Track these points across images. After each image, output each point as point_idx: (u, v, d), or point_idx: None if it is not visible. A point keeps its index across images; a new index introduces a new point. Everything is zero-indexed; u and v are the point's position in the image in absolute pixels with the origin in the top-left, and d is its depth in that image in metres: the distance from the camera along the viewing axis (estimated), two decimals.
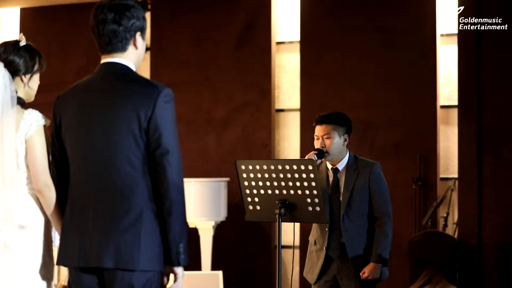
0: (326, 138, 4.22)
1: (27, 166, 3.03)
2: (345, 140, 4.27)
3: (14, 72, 3.12)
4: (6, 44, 3.17)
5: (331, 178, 4.27)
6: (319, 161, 4.18)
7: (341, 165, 4.27)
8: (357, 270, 4.17)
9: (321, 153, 4.17)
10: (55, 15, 8.03)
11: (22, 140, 3.03)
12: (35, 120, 3.04)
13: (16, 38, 3.19)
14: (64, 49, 7.95)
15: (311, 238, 4.36)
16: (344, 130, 4.27)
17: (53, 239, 3.19)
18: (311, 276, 4.30)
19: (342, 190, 4.22)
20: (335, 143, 4.22)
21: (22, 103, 3.12)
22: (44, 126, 3.07)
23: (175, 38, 7.64)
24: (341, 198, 4.22)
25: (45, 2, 7.93)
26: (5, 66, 3.09)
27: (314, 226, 4.33)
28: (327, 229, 4.21)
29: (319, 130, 4.26)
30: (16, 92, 3.09)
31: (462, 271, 6.39)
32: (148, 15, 7.65)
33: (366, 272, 4.14)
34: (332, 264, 4.23)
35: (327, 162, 4.30)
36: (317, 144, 4.24)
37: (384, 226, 4.18)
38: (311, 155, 4.12)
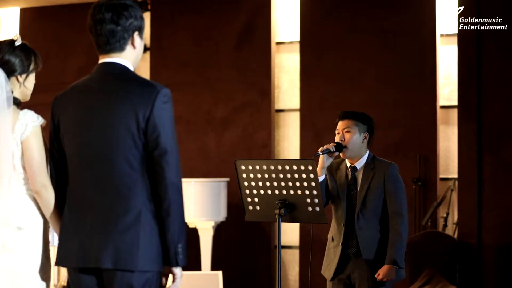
0: (346, 132, 4.24)
1: (24, 167, 3.02)
2: (365, 138, 4.28)
3: (9, 72, 3.09)
4: (1, 43, 3.13)
5: (349, 177, 4.28)
6: (336, 153, 4.19)
7: (359, 164, 4.28)
8: (371, 269, 4.17)
9: (340, 147, 4.19)
10: (55, 15, 8.03)
11: (18, 141, 3.01)
12: (30, 121, 3.02)
13: (11, 38, 3.17)
14: (64, 49, 7.95)
15: (329, 234, 4.37)
16: (365, 128, 4.29)
17: (51, 239, 3.19)
18: (328, 273, 4.30)
19: (358, 189, 4.24)
20: (354, 138, 4.23)
21: (18, 103, 3.11)
22: (40, 126, 3.06)
23: (175, 38, 7.63)
24: (357, 197, 4.23)
25: (45, 2, 7.93)
26: (1, 66, 3.06)
27: (333, 223, 4.34)
28: (343, 224, 4.23)
29: (340, 124, 4.29)
30: (12, 92, 3.08)
31: (462, 271, 6.38)
32: (148, 15, 7.65)
33: (380, 274, 4.13)
34: (348, 262, 4.24)
35: (347, 160, 4.31)
36: (337, 139, 4.26)
37: (397, 227, 4.17)
38: (330, 146, 4.15)
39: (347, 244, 4.22)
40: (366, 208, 4.20)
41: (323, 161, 4.17)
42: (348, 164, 4.31)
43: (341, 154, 4.25)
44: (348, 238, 4.22)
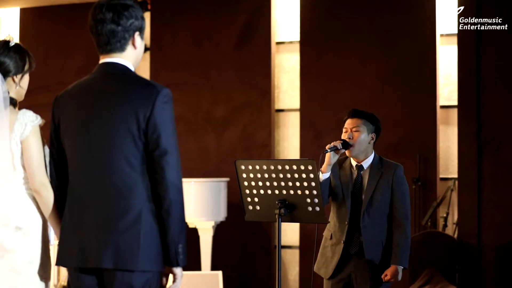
0: (355, 131, 4.25)
1: (23, 167, 3.03)
2: (372, 138, 4.30)
3: (5, 72, 3.11)
4: None
5: (354, 175, 4.29)
6: (342, 150, 4.20)
7: (366, 163, 4.29)
8: (373, 269, 4.18)
9: (346, 144, 4.21)
10: (55, 15, 8.03)
11: (17, 141, 3.02)
12: (29, 121, 3.03)
13: (5, 38, 3.17)
14: (64, 49, 7.95)
15: (327, 233, 4.36)
16: (373, 129, 4.30)
17: (49, 238, 3.19)
18: (325, 270, 4.29)
19: (365, 188, 4.25)
20: (362, 138, 4.24)
21: (14, 104, 3.12)
22: (39, 126, 3.06)
23: (175, 38, 7.64)
24: (363, 196, 4.24)
25: (45, 2, 7.93)
26: None
27: (332, 220, 4.33)
28: (346, 222, 4.23)
29: (349, 122, 4.30)
30: (8, 92, 3.09)
31: (462, 271, 6.38)
32: (148, 15, 7.65)
33: (388, 274, 4.13)
34: (349, 261, 4.24)
35: (352, 159, 4.32)
36: (344, 136, 4.27)
37: (404, 228, 4.20)
38: (337, 143, 4.16)
39: (350, 243, 4.23)
40: (372, 207, 4.21)
41: (330, 158, 4.18)
42: (354, 163, 4.32)
43: (346, 152, 4.27)
44: (351, 236, 4.22)
